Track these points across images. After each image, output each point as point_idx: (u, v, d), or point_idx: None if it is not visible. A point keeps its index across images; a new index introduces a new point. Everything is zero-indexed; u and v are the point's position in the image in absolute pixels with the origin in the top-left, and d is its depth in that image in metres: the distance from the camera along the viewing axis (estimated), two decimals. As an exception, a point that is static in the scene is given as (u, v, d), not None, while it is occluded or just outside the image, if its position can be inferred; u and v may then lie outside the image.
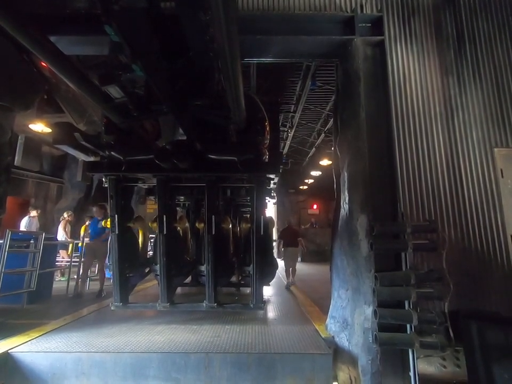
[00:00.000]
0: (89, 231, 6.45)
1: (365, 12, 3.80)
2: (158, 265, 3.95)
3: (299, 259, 10.65)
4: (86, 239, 6.91)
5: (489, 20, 3.83)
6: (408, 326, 2.86)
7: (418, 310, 2.88)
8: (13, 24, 1.84)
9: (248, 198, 5.48)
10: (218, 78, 2.96)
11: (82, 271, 6.06)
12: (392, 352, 2.98)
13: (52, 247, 6.01)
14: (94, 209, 6.35)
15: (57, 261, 7.01)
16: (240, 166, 3.68)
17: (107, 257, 6.19)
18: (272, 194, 8.27)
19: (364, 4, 3.82)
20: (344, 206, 3.63)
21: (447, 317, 2.85)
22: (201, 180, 3.98)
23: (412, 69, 3.64)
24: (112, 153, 3.65)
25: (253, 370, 2.99)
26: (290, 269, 7.42)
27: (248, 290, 5.22)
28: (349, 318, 3.31)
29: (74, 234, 8.31)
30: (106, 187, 3.91)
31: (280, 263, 6.53)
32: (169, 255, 3.92)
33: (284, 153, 12.51)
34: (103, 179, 3.98)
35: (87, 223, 7.62)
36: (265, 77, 7.11)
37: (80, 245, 7.12)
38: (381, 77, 3.64)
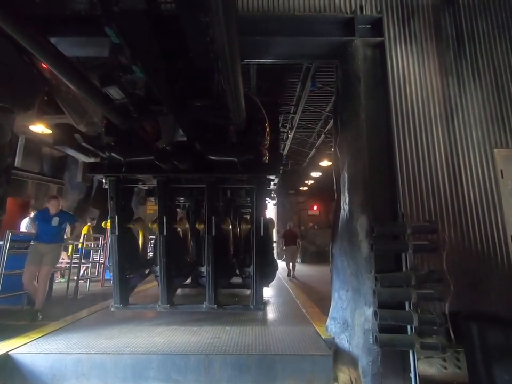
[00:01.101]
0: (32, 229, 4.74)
1: (364, 13, 3.81)
2: (158, 266, 3.94)
3: (299, 260, 12.52)
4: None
5: (489, 21, 3.84)
6: (408, 327, 2.86)
7: (419, 311, 2.88)
8: (13, 25, 1.85)
9: (248, 199, 5.48)
10: (218, 79, 2.96)
11: (26, 281, 4.43)
12: (393, 354, 2.97)
13: (52, 248, 5.99)
14: (51, 201, 4.68)
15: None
16: (240, 167, 3.68)
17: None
18: (272, 195, 8.31)
19: (363, 5, 3.83)
20: (344, 206, 3.63)
21: (447, 318, 2.85)
22: (201, 181, 3.98)
23: (411, 70, 3.65)
24: (112, 154, 3.65)
25: (253, 372, 2.98)
26: (291, 263, 9.41)
27: (248, 291, 5.22)
28: (349, 319, 3.30)
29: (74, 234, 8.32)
30: (107, 188, 3.91)
31: (281, 264, 6.76)
32: (169, 256, 3.92)
33: (283, 154, 12.52)
34: (103, 180, 3.98)
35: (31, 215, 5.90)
36: (265, 78, 7.13)
37: (80, 246, 7.13)
38: (380, 77, 3.64)
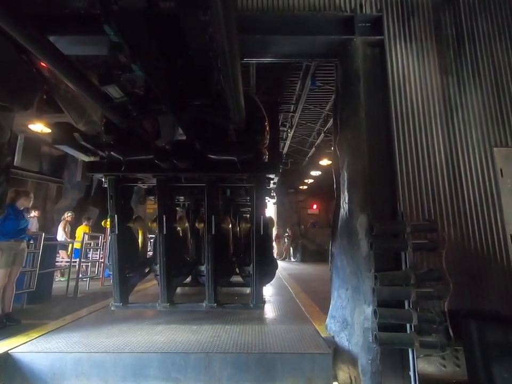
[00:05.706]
0: None
1: (364, 11, 3.79)
2: (158, 265, 3.94)
3: (298, 259, 15.27)
4: None
5: (489, 20, 3.83)
6: (408, 325, 2.86)
7: (418, 310, 2.88)
8: (12, 24, 1.85)
9: (248, 198, 5.48)
10: (217, 77, 2.95)
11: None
12: (392, 352, 2.98)
13: (52, 248, 6.01)
14: (22, 198, 4.24)
15: (57, 261, 7.00)
16: (240, 166, 3.68)
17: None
18: (272, 194, 8.30)
19: (363, 3, 3.82)
20: (344, 205, 3.63)
21: (446, 317, 2.85)
22: (201, 180, 3.97)
23: (411, 69, 3.64)
24: (111, 153, 3.64)
25: (253, 370, 2.98)
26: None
27: (248, 290, 5.22)
28: (349, 318, 3.31)
29: (74, 234, 8.33)
30: (106, 187, 3.91)
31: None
32: (169, 255, 3.92)
33: (283, 153, 12.53)
34: (103, 179, 3.97)
35: None
36: (265, 77, 7.12)
37: (77, 246, 7.09)
38: (380, 76, 3.64)
